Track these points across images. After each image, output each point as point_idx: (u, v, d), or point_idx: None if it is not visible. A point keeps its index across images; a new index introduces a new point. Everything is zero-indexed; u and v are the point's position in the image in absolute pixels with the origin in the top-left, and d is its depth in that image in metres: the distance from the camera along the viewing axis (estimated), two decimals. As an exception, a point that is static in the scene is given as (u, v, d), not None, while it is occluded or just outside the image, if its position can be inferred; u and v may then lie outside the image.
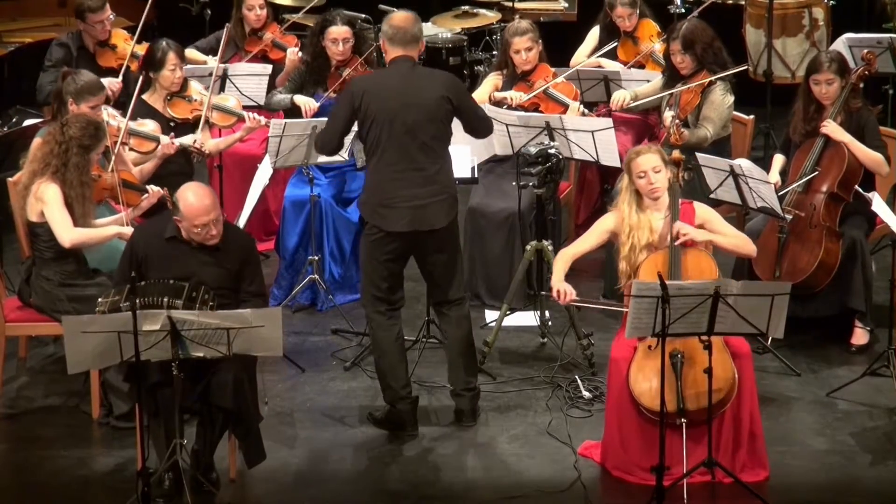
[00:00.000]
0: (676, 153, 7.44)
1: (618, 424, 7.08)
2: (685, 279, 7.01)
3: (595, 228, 7.49)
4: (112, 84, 9.23)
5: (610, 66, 9.74)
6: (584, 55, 9.95)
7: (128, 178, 8.05)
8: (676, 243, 7.16)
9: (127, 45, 9.57)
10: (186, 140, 8.66)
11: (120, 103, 8.99)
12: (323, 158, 8.72)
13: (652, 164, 7.23)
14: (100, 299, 6.84)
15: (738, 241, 7.40)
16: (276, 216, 9.52)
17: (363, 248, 7.53)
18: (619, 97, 9.12)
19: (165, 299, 6.72)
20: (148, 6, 9.48)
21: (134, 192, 7.97)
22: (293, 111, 9.12)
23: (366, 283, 7.55)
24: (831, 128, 8.25)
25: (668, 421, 6.86)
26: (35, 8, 11.93)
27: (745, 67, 9.08)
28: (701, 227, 7.29)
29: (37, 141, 7.88)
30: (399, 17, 7.48)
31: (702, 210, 7.39)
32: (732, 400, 6.98)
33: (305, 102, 9.07)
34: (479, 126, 7.55)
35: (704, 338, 6.75)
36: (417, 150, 7.31)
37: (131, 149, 8.41)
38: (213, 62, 9.75)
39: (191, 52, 9.82)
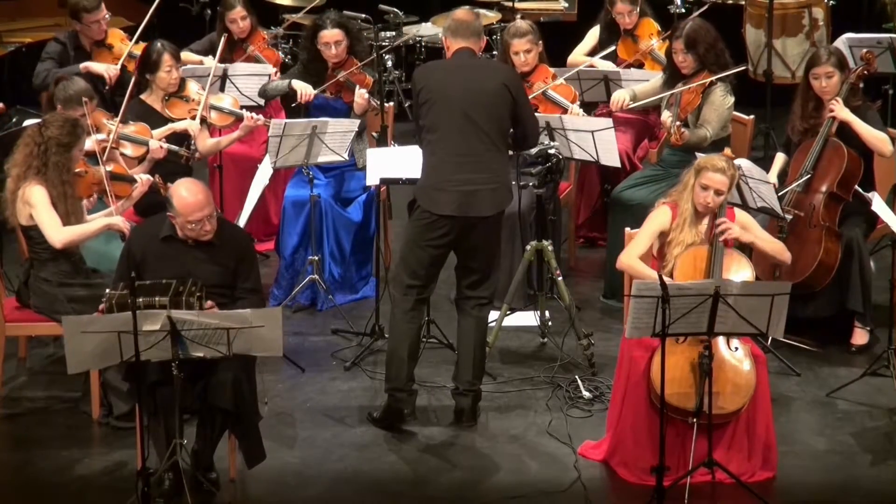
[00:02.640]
0: (728, 150, 7.46)
1: (633, 421, 7.06)
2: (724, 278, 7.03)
3: (648, 230, 7.32)
4: (109, 70, 9.26)
5: (604, 66, 9.73)
6: (583, 53, 9.96)
7: (116, 170, 8.05)
8: (720, 239, 7.15)
9: (123, 45, 9.57)
10: (181, 125, 8.65)
11: (117, 104, 9.01)
12: (323, 158, 8.73)
13: (719, 186, 7.19)
14: (107, 290, 6.83)
15: (776, 247, 7.42)
16: (276, 216, 9.51)
17: (407, 233, 7.53)
18: (619, 98, 9.09)
19: (156, 298, 6.71)
20: (152, 8, 9.49)
21: (124, 183, 7.98)
22: (294, 112, 9.11)
23: (400, 270, 7.54)
24: (838, 108, 8.25)
25: (680, 418, 6.89)
26: (35, 8, 11.95)
27: (744, 68, 9.06)
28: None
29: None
30: (461, 12, 7.64)
31: (741, 216, 7.39)
32: (747, 406, 6.99)
33: (302, 87, 9.03)
34: (528, 125, 7.54)
35: (704, 338, 6.77)
36: (474, 137, 7.35)
37: (122, 154, 8.42)
38: (208, 61, 9.77)
39: (186, 55, 9.84)
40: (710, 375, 6.77)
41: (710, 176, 7.21)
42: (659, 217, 7.34)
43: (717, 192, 7.20)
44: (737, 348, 7.00)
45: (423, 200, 7.40)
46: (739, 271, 7.11)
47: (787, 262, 7.53)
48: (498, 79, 7.43)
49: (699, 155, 8.19)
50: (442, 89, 7.35)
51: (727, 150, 7.51)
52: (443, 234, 7.40)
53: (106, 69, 9.29)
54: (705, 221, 7.28)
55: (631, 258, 7.27)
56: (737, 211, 7.44)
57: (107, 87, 9.19)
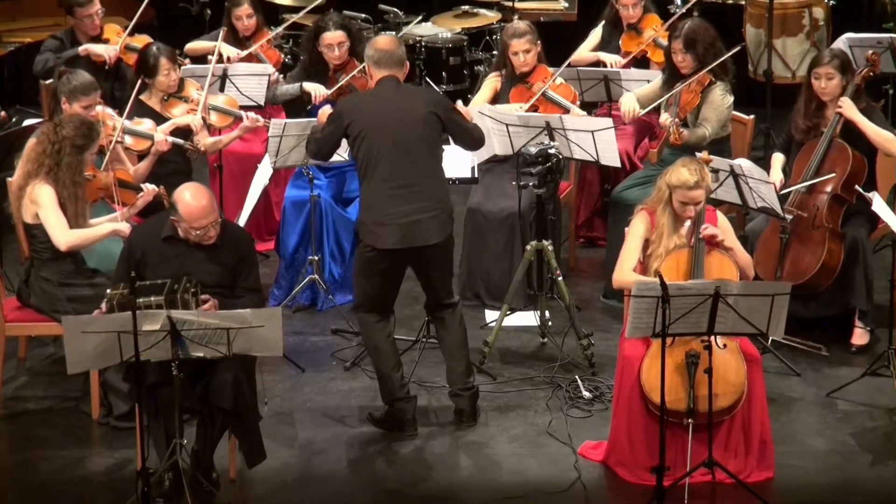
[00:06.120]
0: (705, 154, 7.46)
1: (626, 422, 7.06)
2: (707, 279, 7.01)
3: (635, 240, 7.32)
4: (109, 50, 9.28)
5: (609, 59, 9.73)
6: (586, 51, 9.96)
7: (123, 177, 8.05)
8: (701, 235, 7.15)
9: (119, 40, 9.57)
10: (184, 119, 8.67)
11: (116, 98, 9.01)
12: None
13: (698, 199, 7.18)
14: (108, 290, 6.82)
15: (746, 260, 7.40)
16: (277, 210, 9.50)
17: (356, 263, 7.57)
18: (630, 109, 8.95)
19: (152, 298, 6.70)
20: (143, 5, 9.51)
21: (130, 191, 7.97)
22: (294, 110, 9.10)
23: (358, 292, 7.58)
24: (846, 105, 8.24)
25: (675, 420, 6.88)
26: (35, 8, 11.96)
27: (738, 48, 8.98)
28: None
29: (31, 142, 7.88)
30: (383, 41, 7.52)
31: (723, 219, 7.40)
32: (742, 405, 6.99)
33: (315, 88, 9.03)
34: (467, 138, 7.54)
35: (704, 338, 6.77)
36: (409, 166, 7.32)
37: (126, 148, 8.41)
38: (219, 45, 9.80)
39: (197, 44, 9.86)
40: (710, 373, 6.77)
41: (685, 194, 7.17)
42: (639, 225, 7.35)
43: (697, 203, 7.20)
44: (724, 345, 6.98)
45: (366, 236, 7.40)
46: (722, 273, 7.09)
47: (749, 279, 7.45)
48: (424, 106, 7.38)
49: (699, 155, 8.19)
50: (372, 121, 7.30)
51: (703, 154, 7.47)
52: (390, 265, 7.41)
53: (105, 49, 9.29)
54: (685, 224, 7.28)
55: (626, 274, 7.27)
56: (718, 215, 7.43)
57: (107, 67, 9.19)
